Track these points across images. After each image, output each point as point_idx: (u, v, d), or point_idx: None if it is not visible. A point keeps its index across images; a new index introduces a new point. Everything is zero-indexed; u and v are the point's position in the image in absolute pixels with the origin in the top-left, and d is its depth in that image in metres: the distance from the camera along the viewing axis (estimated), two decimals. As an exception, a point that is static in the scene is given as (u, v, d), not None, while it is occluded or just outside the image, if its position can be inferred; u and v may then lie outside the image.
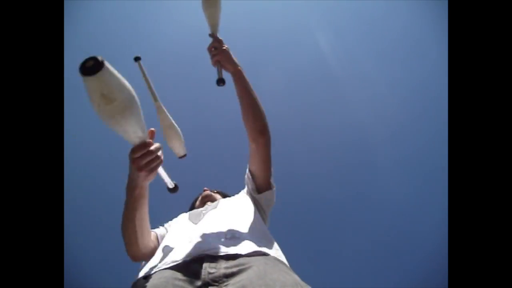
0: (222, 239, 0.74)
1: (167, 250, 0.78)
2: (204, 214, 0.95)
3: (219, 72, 0.99)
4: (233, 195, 1.21)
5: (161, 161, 0.74)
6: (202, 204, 1.22)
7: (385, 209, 4.09)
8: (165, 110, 0.97)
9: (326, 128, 4.47)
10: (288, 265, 0.71)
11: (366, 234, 4.04)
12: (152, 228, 0.95)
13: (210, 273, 0.62)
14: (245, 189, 1.09)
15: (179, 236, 0.84)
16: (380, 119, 4.29)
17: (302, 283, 0.61)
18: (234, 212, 0.94)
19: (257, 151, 1.00)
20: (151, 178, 0.76)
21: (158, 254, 0.80)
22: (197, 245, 0.73)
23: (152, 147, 0.69)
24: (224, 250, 0.69)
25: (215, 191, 1.34)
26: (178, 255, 0.71)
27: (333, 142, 4.43)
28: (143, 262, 0.83)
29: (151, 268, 0.72)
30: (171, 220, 1.11)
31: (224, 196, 1.30)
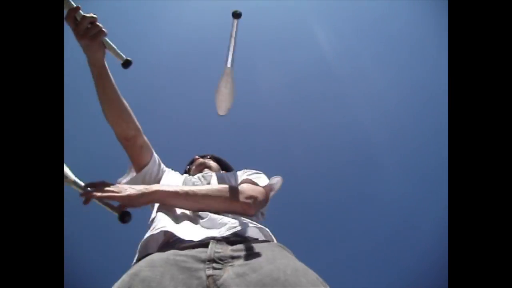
0: (227, 224, 0.73)
1: (166, 229, 0.74)
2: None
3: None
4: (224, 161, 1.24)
5: (102, 30, 0.81)
6: (199, 171, 1.17)
7: (384, 208, 4.10)
8: (231, 76, 1.07)
9: (326, 128, 4.47)
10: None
11: (365, 234, 4.05)
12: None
13: (216, 252, 0.62)
14: (242, 176, 1.00)
15: (179, 216, 0.80)
16: (380, 118, 4.29)
17: (311, 270, 0.60)
18: None
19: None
20: (96, 48, 0.83)
21: (156, 232, 0.75)
22: (203, 230, 0.72)
23: (86, 14, 0.76)
24: (230, 234, 0.69)
25: (208, 157, 1.29)
26: (180, 235, 0.70)
27: (332, 141, 4.43)
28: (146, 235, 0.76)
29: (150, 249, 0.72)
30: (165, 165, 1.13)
31: (217, 160, 1.27)
